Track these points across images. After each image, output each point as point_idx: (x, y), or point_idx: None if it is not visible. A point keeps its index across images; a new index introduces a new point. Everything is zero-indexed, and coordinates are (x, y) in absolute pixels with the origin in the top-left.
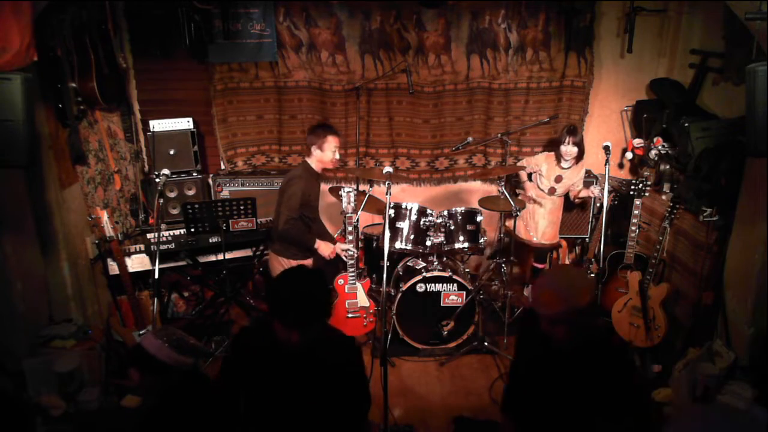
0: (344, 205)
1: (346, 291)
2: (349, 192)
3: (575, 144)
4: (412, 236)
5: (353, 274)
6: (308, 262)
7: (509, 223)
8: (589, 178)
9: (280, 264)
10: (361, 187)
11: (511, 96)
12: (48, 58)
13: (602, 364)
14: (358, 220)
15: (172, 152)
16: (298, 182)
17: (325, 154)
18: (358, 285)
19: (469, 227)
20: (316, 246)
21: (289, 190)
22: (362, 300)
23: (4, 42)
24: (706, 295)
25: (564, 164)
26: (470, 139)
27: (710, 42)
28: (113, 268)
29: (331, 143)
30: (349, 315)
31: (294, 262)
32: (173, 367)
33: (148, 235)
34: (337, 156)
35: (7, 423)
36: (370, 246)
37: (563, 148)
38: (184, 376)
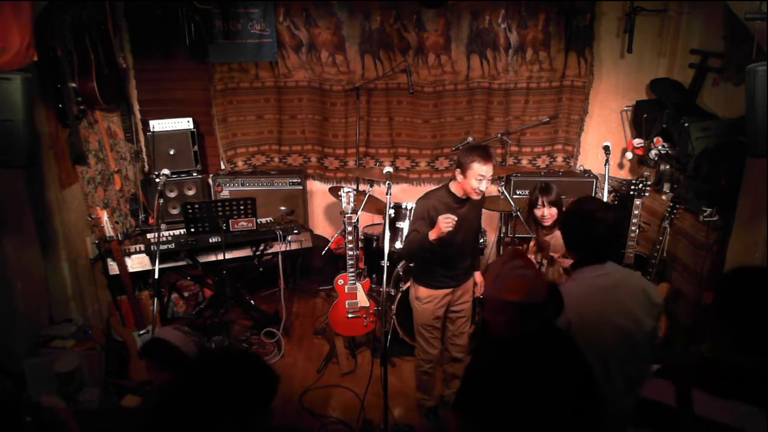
0: (344, 205)
1: (346, 291)
2: (349, 192)
3: (552, 203)
4: None
5: (353, 274)
6: (442, 292)
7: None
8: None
9: (417, 291)
10: (361, 187)
11: (511, 96)
12: (48, 58)
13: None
14: (358, 220)
15: (172, 152)
16: (419, 204)
17: (468, 182)
18: (358, 285)
19: None
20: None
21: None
22: (362, 300)
23: (4, 42)
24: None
25: (543, 230)
26: (470, 139)
27: (710, 42)
28: (113, 268)
29: (476, 171)
30: (349, 315)
31: (435, 293)
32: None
33: (148, 235)
34: (483, 187)
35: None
36: (370, 246)
37: (538, 212)
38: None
